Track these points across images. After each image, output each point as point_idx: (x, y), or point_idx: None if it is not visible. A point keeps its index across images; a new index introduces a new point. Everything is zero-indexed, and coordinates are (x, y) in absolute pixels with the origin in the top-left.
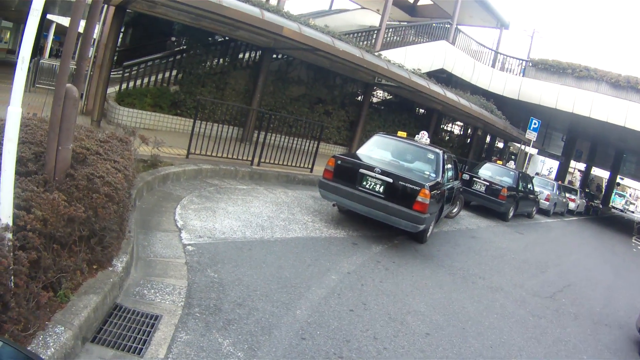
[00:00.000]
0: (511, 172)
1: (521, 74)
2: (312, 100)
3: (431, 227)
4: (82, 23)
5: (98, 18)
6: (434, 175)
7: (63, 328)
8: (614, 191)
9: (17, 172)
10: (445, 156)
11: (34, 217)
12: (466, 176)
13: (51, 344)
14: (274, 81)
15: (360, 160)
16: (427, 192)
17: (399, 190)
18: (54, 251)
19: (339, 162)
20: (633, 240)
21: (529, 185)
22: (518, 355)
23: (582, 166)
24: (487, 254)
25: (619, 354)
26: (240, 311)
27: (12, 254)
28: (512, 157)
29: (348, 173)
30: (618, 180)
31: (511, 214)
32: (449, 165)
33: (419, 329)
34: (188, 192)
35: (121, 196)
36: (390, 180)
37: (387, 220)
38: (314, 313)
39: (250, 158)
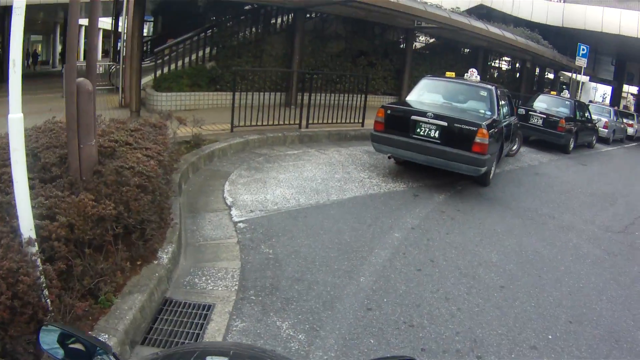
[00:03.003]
0: (567, 102)
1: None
2: (353, 54)
3: (493, 168)
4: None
5: (112, 12)
6: (489, 113)
7: (107, 336)
8: None
9: (41, 180)
10: (499, 92)
11: (59, 224)
12: (522, 111)
13: None
14: (311, 40)
15: (411, 106)
16: (484, 131)
17: (455, 133)
18: (88, 256)
19: (389, 111)
20: None
21: (586, 114)
22: (598, 300)
23: (634, 89)
24: (552, 191)
25: None
26: (298, 287)
27: (39, 267)
28: (564, 86)
29: (400, 122)
30: None
31: (572, 146)
32: (504, 101)
33: (493, 283)
34: (236, 167)
35: (156, 184)
36: (445, 123)
37: (446, 166)
38: (379, 278)
39: (297, 121)
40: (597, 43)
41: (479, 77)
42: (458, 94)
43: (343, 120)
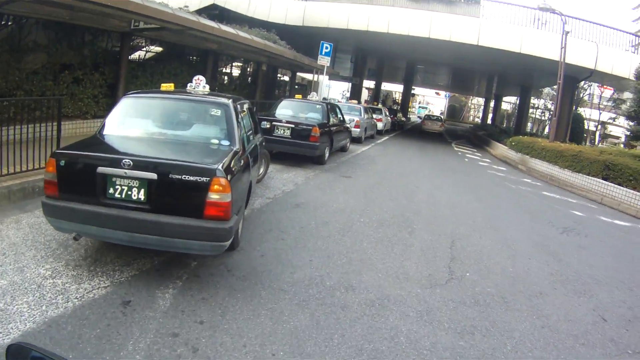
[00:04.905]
0: (317, 106)
1: None
2: (56, 70)
3: (240, 225)
4: None
5: None
6: (227, 142)
7: None
8: (418, 105)
9: None
10: (238, 107)
11: None
12: (265, 123)
13: None
14: (0, 55)
15: (101, 149)
16: (222, 181)
17: (172, 190)
18: None
19: (64, 162)
20: (454, 147)
21: (339, 116)
22: None
23: (370, 84)
24: (328, 230)
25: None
26: None
27: None
28: (296, 86)
29: (82, 178)
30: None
31: (327, 155)
32: (245, 119)
33: None
34: None
35: None
36: (153, 176)
37: (167, 246)
38: None
39: None
40: (338, 41)
41: (207, 86)
42: (177, 116)
43: (32, 167)
